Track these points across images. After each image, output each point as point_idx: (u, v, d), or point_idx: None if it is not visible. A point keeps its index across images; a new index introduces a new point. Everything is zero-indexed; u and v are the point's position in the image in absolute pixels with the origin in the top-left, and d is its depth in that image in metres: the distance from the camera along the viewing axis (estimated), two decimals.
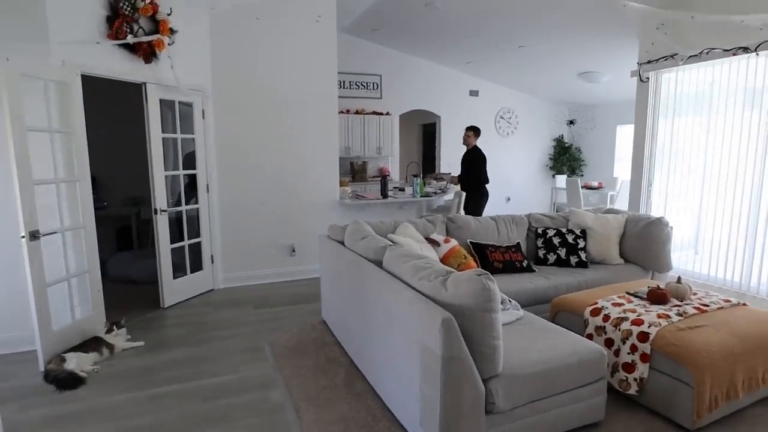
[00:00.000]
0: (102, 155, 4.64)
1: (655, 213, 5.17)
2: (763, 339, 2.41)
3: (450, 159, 8.45)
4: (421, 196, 5.30)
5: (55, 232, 3.10)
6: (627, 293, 2.92)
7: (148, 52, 3.69)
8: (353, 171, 7.67)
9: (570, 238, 3.92)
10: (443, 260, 3.31)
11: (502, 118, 8.98)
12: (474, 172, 5.64)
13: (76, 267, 3.30)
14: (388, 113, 7.84)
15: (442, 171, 8.28)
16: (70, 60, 3.19)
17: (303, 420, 2.41)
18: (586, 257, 3.85)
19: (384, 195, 5.16)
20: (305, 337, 3.46)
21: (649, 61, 5.01)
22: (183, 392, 2.74)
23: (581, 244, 3.90)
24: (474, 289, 1.87)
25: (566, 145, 9.44)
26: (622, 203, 7.46)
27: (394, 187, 5.79)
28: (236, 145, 4.62)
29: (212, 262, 4.62)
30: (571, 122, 9.50)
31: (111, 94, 4.47)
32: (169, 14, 3.80)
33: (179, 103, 4.16)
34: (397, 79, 7.95)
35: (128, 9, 3.48)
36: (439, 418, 1.83)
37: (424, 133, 10.08)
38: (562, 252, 3.86)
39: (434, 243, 3.40)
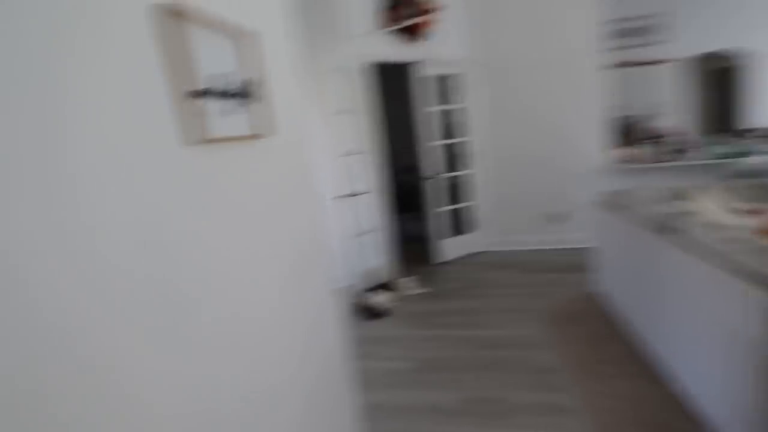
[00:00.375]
0: (393, 131, 5.47)
1: None
2: None
3: (764, 109, 6.60)
4: (723, 158, 4.39)
5: (356, 194, 3.90)
6: None
7: (418, 33, 4.12)
8: (625, 132, 6.84)
9: None
10: (759, 233, 2.72)
11: None
12: None
13: (371, 224, 4.08)
14: (675, 59, 6.61)
15: (750, 126, 6.55)
16: (358, 51, 3.87)
17: (578, 387, 2.44)
18: None
19: (664, 159, 4.49)
20: (576, 306, 3.43)
21: None
22: (459, 337, 3.13)
23: None
24: None
25: None
26: None
27: (682, 149, 4.94)
28: (501, 112, 4.76)
29: (481, 226, 4.97)
30: None
31: (390, 75, 5.19)
32: None
33: (447, 78, 4.53)
34: (690, 16, 6.58)
35: None
36: (750, 413, 1.60)
37: (723, 80, 8.09)
38: None
39: (743, 213, 2.81)
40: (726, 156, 4.41)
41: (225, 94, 1.25)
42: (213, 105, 1.20)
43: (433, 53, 4.27)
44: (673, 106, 6.76)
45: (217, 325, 1.18)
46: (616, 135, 6.81)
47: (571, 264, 4.30)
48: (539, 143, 4.72)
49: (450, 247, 4.75)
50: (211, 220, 1.19)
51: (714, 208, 2.83)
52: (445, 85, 4.56)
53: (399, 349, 3.05)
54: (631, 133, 6.89)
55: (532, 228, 4.92)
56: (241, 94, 1.34)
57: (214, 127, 1.19)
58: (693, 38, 6.67)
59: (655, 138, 6.81)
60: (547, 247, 4.87)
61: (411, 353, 2.99)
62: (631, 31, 6.78)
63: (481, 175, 4.81)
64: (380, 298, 3.68)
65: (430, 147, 4.49)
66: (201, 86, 1.14)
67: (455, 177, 4.76)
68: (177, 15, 1.06)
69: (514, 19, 4.57)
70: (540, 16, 4.52)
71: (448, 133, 4.71)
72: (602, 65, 4.57)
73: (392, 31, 4.04)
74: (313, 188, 1.90)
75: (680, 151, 4.94)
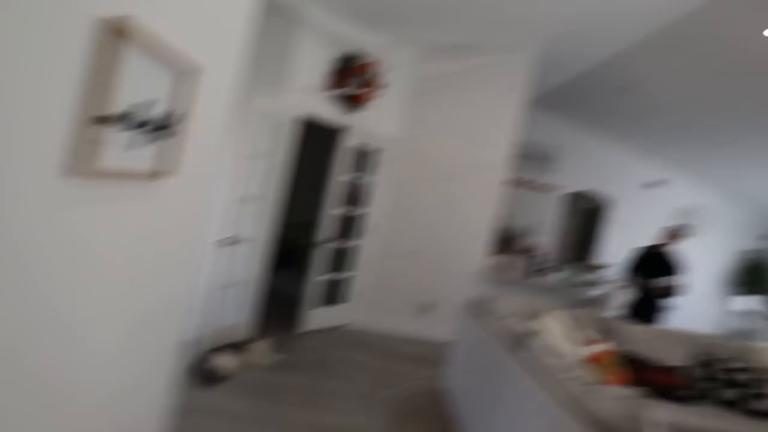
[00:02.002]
0: (300, 187, 5.38)
1: None
2: None
3: (613, 249, 7.73)
4: (571, 285, 4.93)
5: (237, 241, 3.65)
6: None
7: (357, 103, 4.23)
8: (505, 241, 7.50)
9: (750, 377, 3.23)
10: (594, 360, 3.00)
11: (682, 216, 7.95)
12: (674, 282, 4.85)
13: (242, 275, 3.81)
14: (554, 190, 7.57)
15: (600, 261, 7.60)
16: (295, 102, 3.85)
17: None
18: None
19: (532, 275, 4.94)
20: (422, 401, 3.42)
21: None
22: (294, 422, 2.91)
23: (766, 389, 3.18)
24: (624, 413, 1.66)
25: (756, 261, 7.91)
26: None
27: (544, 269, 5.50)
28: (404, 195, 4.92)
29: (354, 299, 4.90)
30: (767, 237, 7.99)
31: (316, 134, 5.19)
32: (383, 73, 4.34)
33: (366, 150, 4.64)
34: (571, 157, 7.68)
35: (350, 65, 4.08)
36: None
37: (588, 216, 9.43)
38: (737, 392, 3.21)
39: (584, 341, 3.11)
40: (577, 283, 5.00)
41: (142, 125, 1.13)
42: (122, 135, 1.06)
43: (363, 125, 4.39)
44: (547, 229, 7.63)
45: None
46: (496, 244, 7.43)
47: (428, 357, 4.38)
48: (430, 234, 4.93)
49: (318, 316, 4.58)
50: (69, 260, 1.04)
51: (558, 333, 3.10)
52: (363, 156, 4.65)
53: (224, 430, 2.72)
54: (508, 244, 7.58)
55: (402, 313, 4.99)
56: (158, 127, 1.21)
57: (111, 159, 1.03)
58: (572, 176, 7.75)
59: (526, 252, 7.56)
60: (411, 335, 4.93)
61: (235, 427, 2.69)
62: (529, 157, 7.69)
63: (368, 248, 4.84)
64: (225, 361, 3.32)
65: (331, 213, 4.45)
66: (117, 112, 1.01)
67: (345, 245, 4.73)
68: (118, 32, 0.95)
69: (442, 116, 4.92)
70: (466, 120, 4.93)
71: (352, 200, 4.74)
72: (503, 180, 5.02)
73: (333, 95, 4.10)
74: (198, 234, 1.74)
75: (544, 270, 5.50)
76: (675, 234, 4.94)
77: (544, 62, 5.00)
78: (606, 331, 3.41)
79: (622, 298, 5.16)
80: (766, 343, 3.85)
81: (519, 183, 7.50)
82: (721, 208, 8.15)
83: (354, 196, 4.73)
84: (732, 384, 3.24)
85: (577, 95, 6.09)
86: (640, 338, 3.41)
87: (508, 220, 7.42)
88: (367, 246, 4.83)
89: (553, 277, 5.20)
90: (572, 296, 5.36)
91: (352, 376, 3.70)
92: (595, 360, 3.04)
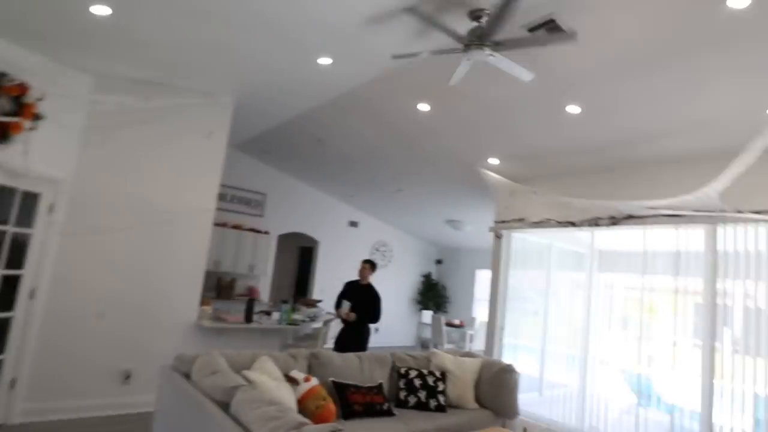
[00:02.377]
0: None
1: (506, 354, 5.58)
2: None
3: (324, 285, 8.43)
4: (288, 324, 5.08)
5: None
6: None
7: (5, 134, 3.31)
8: (219, 287, 7.20)
9: (430, 381, 3.96)
10: (301, 401, 3.08)
11: (378, 250, 9.44)
12: (373, 308, 5.32)
13: None
14: (267, 232, 7.77)
15: (314, 297, 8.17)
16: None
17: None
18: (444, 401, 3.88)
19: (248, 319, 4.85)
20: None
21: (503, 221, 5.82)
22: None
23: (441, 387, 3.95)
24: None
25: (433, 282, 10.10)
26: (479, 342, 7.94)
27: (261, 311, 5.50)
28: (86, 249, 4.10)
29: (12, 387, 3.71)
30: (439, 261, 10.33)
31: None
32: (39, 100, 3.54)
33: (21, 191, 3.67)
34: (281, 201, 8.08)
35: None
36: None
37: (301, 256, 10.08)
38: (423, 395, 3.86)
39: (293, 381, 3.18)
40: (295, 321, 5.17)
41: None
42: None
43: (12, 162, 3.40)
44: (264, 271, 7.73)
45: None
46: (211, 290, 7.05)
47: None
48: (128, 289, 4.21)
49: None
50: None
51: (272, 378, 3.10)
52: (8, 200, 3.60)
53: None
54: (225, 289, 7.31)
55: (97, 390, 4.07)
56: None
57: None
58: (285, 218, 8.13)
59: (245, 296, 7.44)
60: (114, 413, 4.08)
61: None
62: (241, 200, 7.65)
63: (36, 319, 3.78)
64: None
65: None
66: None
67: None
68: None
69: (134, 156, 4.27)
70: (163, 161, 4.42)
71: (10, 260, 3.62)
72: (210, 223, 4.76)
73: None
74: None
75: (261, 313, 5.49)
76: (365, 268, 5.52)
77: (246, 108, 5.13)
78: (318, 365, 3.60)
79: (334, 330, 5.64)
80: (442, 349, 4.84)
81: (232, 226, 7.42)
82: (405, 241, 10.02)
83: (10, 253, 3.66)
84: (419, 389, 3.89)
85: (283, 142, 6.51)
86: (347, 366, 3.74)
87: (222, 264, 7.20)
88: (28, 317, 3.77)
89: (272, 318, 5.25)
90: (291, 335, 5.53)
91: None
92: (307, 397, 3.15)
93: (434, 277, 10.28)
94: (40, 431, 3.67)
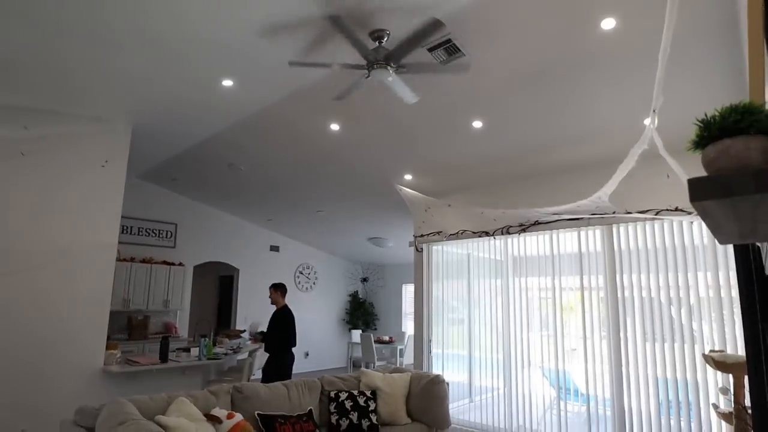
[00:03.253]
0: None
1: (436, 365, 5.68)
2: None
3: (248, 313, 8.07)
4: (208, 359, 4.78)
5: None
6: None
7: None
8: (131, 327, 6.62)
9: (361, 401, 3.92)
10: None
11: (302, 273, 9.25)
12: (283, 333, 5.14)
13: None
14: (180, 263, 7.31)
15: (237, 327, 7.79)
16: None
17: None
18: (377, 419, 3.85)
19: (164, 359, 4.50)
20: None
21: (422, 235, 5.97)
22: None
23: (372, 405, 3.92)
24: None
25: (361, 300, 10.08)
26: (409, 356, 8.01)
27: (179, 348, 5.12)
28: None
29: None
30: (365, 279, 10.34)
31: None
32: None
33: None
34: (194, 230, 7.67)
35: None
36: None
37: (221, 286, 9.60)
38: (354, 416, 3.80)
39: (215, 420, 2.98)
40: (218, 355, 4.86)
41: None
42: None
43: None
44: (180, 305, 7.23)
45: None
46: (119, 330, 6.46)
47: None
48: (14, 336, 3.72)
49: None
50: None
51: (191, 419, 2.88)
52: None
53: None
54: (135, 329, 6.73)
55: None
56: None
57: None
58: (200, 247, 7.70)
59: (161, 334, 6.89)
60: None
61: None
62: (145, 231, 7.13)
63: None
64: None
65: None
66: None
67: None
68: None
69: (17, 190, 3.84)
70: (53, 194, 3.97)
71: None
72: (112, 261, 4.36)
73: None
74: None
75: (185, 350, 5.09)
76: (272, 292, 5.36)
77: (147, 134, 4.84)
78: (242, 399, 3.41)
79: (260, 360, 5.39)
80: (373, 367, 4.78)
81: (141, 260, 6.90)
82: (329, 261, 9.92)
83: None
84: (351, 410, 3.82)
85: (192, 169, 6.21)
86: (273, 396, 3.58)
87: (132, 302, 6.66)
88: None
89: (191, 355, 4.91)
90: (214, 370, 5.19)
91: None
92: None
93: (361, 295, 10.26)
94: None
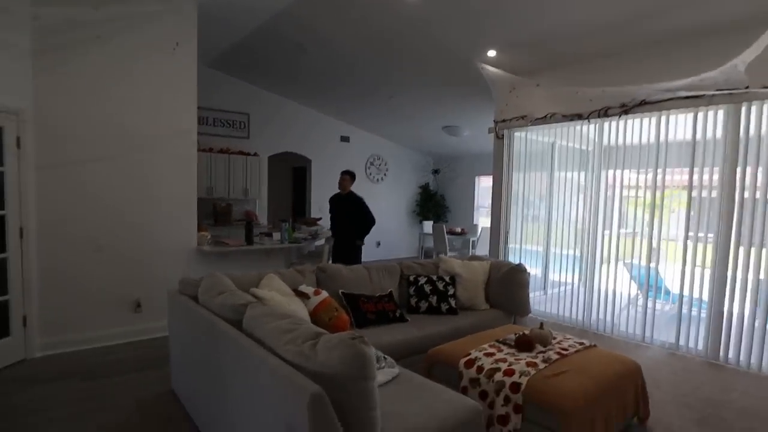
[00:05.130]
0: None
1: (511, 257, 5.57)
2: (612, 380, 2.55)
3: (322, 203, 8.28)
4: (290, 242, 4.96)
5: None
6: (497, 341, 2.93)
7: None
8: (216, 214, 7.03)
9: (440, 285, 3.93)
10: (313, 314, 3.02)
11: (372, 164, 9.18)
12: (361, 217, 5.37)
13: None
14: (255, 154, 7.44)
15: (313, 215, 8.05)
16: None
17: None
18: (455, 303, 3.87)
19: (249, 241, 4.72)
20: (147, 412, 2.83)
21: (503, 120, 5.51)
22: None
23: (451, 290, 3.92)
24: (347, 356, 1.62)
25: (432, 192, 9.97)
26: (482, 248, 7.97)
27: (261, 233, 5.36)
28: (67, 181, 3.83)
29: (24, 324, 3.66)
30: (436, 171, 10.12)
31: None
32: None
33: None
34: (267, 120, 7.66)
35: None
36: None
37: (295, 176, 9.83)
38: (434, 299, 3.84)
39: (303, 295, 3.09)
40: (298, 239, 5.07)
41: None
42: None
43: None
44: (258, 194, 7.51)
45: None
46: (206, 217, 6.88)
47: (152, 359, 3.70)
48: (121, 220, 4.03)
49: None
50: None
51: (281, 293, 3.01)
52: None
53: None
54: (220, 215, 7.14)
55: (109, 320, 4.03)
56: None
57: None
58: (272, 138, 7.75)
59: (243, 221, 7.30)
60: (128, 340, 4.09)
61: None
62: (219, 122, 7.22)
63: (32, 257, 3.63)
64: None
65: None
66: None
67: None
68: None
69: (92, 79, 3.86)
70: (129, 82, 4.00)
71: None
72: (193, 147, 4.45)
73: None
74: None
75: (267, 235, 5.37)
76: (344, 179, 5.49)
77: (211, 17, 4.60)
78: (326, 279, 3.51)
79: (330, 246, 5.56)
80: (448, 255, 4.75)
81: (218, 151, 7.08)
82: (400, 153, 9.72)
83: None
84: (430, 294, 3.86)
85: (260, 54, 5.96)
86: (355, 278, 3.66)
87: (215, 190, 6.97)
88: (21, 256, 3.61)
89: (273, 239, 5.14)
90: (295, 254, 5.45)
91: (48, 418, 2.76)
92: (319, 309, 3.09)
93: (432, 187, 10.12)
94: (62, 361, 3.67)
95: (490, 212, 5.83)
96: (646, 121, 4.41)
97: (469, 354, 2.71)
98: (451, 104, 6.92)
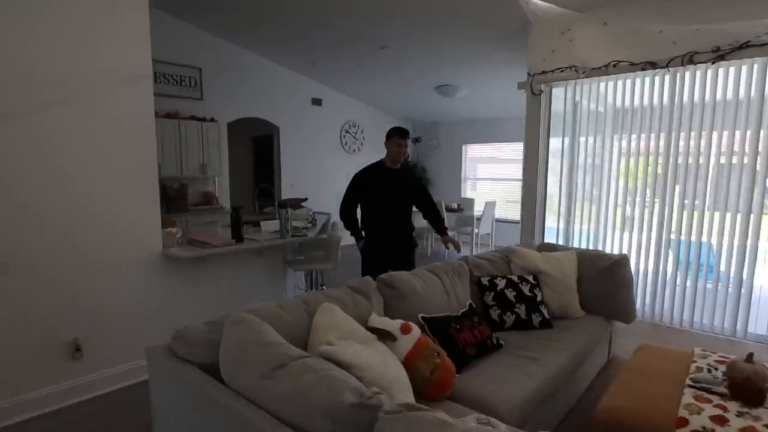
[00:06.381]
0: None
1: (549, 238, 4.66)
2: None
3: (293, 180, 6.89)
4: (293, 235, 3.66)
5: None
6: (692, 386, 1.95)
7: None
8: (167, 199, 5.44)
9: (525, 289, 2.88)
10: (408, 363, 1.85)
11: (348, 132, 7.85)
12: (429, 202, 3.57)
13: None
14: (212, 119, 5.86)
15: (284, 196, 6.66)
16: None
17: None
18: (548, 313, 2.86)
19: (238, 237, 3.36)
20: None
21: (543, 72, 4.46)
22: None
23: (539, 295, 2.90)
24: None
25: (412, 163, 8.85)
26: (486, 225, 7.05)
27: (244, 223, 3.95)
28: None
29: None
30: (417, 140, 8.99)
31: None
32: None
33: None
34: (224, 77, 6.06)
35: None
36: None
37: (256, 148, 8.24)
38: (521, 309, 2.80)
39: (387, 336, 1.89)
40: (298, 233, 3.74)
41: None
42: None
43: None
44: (219, 171, 5.96)
45: None
46: (163, 204, 5.30)
47: (104, 427, 2.37)
48: (30, 222, 2.53)
49: None
50: None
51: (358, 339, 1.80)
52: None
53: None
54: (173, 200, 5.57)
55: (28, 377, 2.58)
56: None
57: None
58: (226, 101, 6.17)
59: (200, 207, 5.77)
60: (62, 404, 2.67)
61: None
62: (165, 77, 5.55)
63: None
64: None
65: None
66: None
67: None
68: None
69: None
70: (54, 17, 2.44)
71: None
72: (149, 95, 2.95)
73: None
74: None
75: (250, 225, 3.98)
76: (401, 144, 3.37)
77: None
78: (395, 298, 2.30)
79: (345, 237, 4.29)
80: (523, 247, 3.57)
81: (165, 115, 5.45)
82: (377, 119, 8.45)
83: None
84: (516, 302, 2.80)
85: None
86: (430, 291, 2.47)
87: (165, 168, 5.40)
88: None
89: (265, 231, 3.79)
90: (290, 249, 4.11)
91: None
92: (415, 356, 1.91)
93: (412, 158, 8.99)
94: None
95: (523, 184, 4.81)
96: (746, 68, 3.54)
97: (686, 420, 1.70)
98: (457, 56, 5.76)
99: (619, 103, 4.28)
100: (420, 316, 2.28)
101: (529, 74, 4.58)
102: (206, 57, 5.83)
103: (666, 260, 4.07)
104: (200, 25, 5.63)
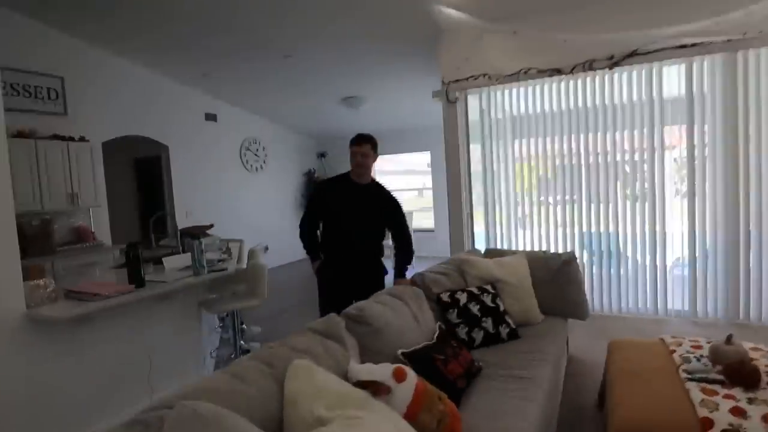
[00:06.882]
0: None
1: (479, 244, 4.62)
2: None
3: (190, 205, 6.06)
4: (210, 271, 3.04)
5: None
6: (687, 377, 1.88)
7: None
8: (24, 239, 4.33)
9: (488, 300, 2.68)
10: (410, 417, 1.47)
11: (249, 150, 7.19)
12: (401, 224, 3.02)
13: None
14: (83, 138, 4.88)
15: (182, 225, 5.80)
16: None
17: None
18: (513, 322, 2.68)
19: (139, 282, 2.67)
20: None
21: (457, 80, 4.41)
22: None
23: (501, 305, 2.71)
24: None
25: (318, 180, 8.42)
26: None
27: (147, 260, 3.21)
28: None
29: None
30: (322, 155, 8.58)
31: None
32: None
33: None
34: (94, 89, 5.10)
35: None
36: None
37: (139, 171, 7.12)
38: (488, 323, 2.58)
39: (381, 389, 1.49)
40: (213, 264, 3.08)
41: None
42: None
43: None
44: (95, 200, 4.95)
45: None
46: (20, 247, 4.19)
47: None
48: None
49: None
50: None
51: (345, 400, 1.37)
52: None
53: None
54: (32, 241, 4.47)
55: None
56: None
57: None
58: (99, 116, 5.21)
59: (70, 246, 4.72)
60: None
61: None
62: (17, 89, 4.49)
63: None
64: None
65: None
66: None
67: None
68: None
69: None
70: None
71: None
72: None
73: None
74: None
75: (150, 263, 3.20)
76: (367, 153, 3.03)
77: None
78: (369, 334, 1.89)
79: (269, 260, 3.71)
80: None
81: (16, 134, 4.42)
82: (280, 135, 7.91)
83: None
84: (481, 316, 2.56)
85: None
86: (401, 320, 2.09)
87: (22, 200, 4.38)
88: None
89: (171, 268, 3.10)
90: (201, 289, 3.42)
91: None
92: (418, 408, 1.54)
93: (319, 173, 8.55)
94: None
95: (449, 194, 4.69)
96: (636, 74, 3.88)
97: (710, 421, 1.58)
98: (362, 67, 5.55)
99: (531, 109, 4.41)
100: (399, 352, 1.91)
101: (443, 82, 4.51)
102: (70, 65, 4.84)
103: (582, 252, 4.31)
104: (62, 28, 4.66)
